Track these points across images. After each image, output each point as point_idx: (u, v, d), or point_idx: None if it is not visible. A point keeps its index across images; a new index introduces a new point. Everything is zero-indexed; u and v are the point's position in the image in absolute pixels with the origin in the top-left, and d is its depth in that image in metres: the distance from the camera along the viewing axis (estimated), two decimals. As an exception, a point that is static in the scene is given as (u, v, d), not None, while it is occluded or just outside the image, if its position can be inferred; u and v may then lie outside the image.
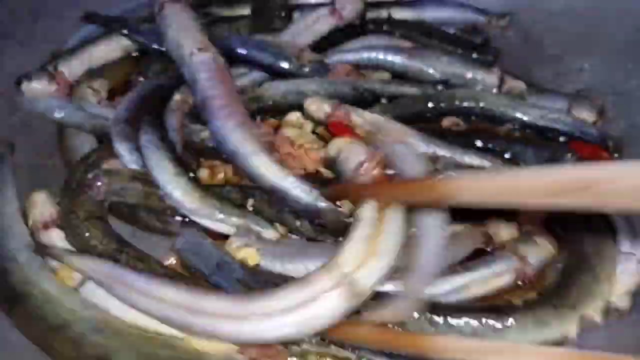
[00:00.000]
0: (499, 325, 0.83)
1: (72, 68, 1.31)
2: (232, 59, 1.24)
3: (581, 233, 0.96)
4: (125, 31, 1.36)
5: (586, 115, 1.23)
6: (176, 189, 0.99)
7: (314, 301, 0.76)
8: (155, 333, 0.84)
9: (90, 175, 1.00)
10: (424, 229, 0.84)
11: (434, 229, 0.84)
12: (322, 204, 0.93)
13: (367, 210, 0.84)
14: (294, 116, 1.16)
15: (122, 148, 1.05)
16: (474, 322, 0.83)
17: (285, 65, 1.24)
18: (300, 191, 0.94)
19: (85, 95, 1.28)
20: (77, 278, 0.90)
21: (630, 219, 0.98)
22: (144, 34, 1.34)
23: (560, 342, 0.85)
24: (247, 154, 0.98)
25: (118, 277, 0.84)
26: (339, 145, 1.00)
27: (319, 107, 1.13)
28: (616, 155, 1.16)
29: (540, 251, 0.96)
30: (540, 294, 0.92)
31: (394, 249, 0.81)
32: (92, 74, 1.33)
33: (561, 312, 0.85)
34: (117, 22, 1.39)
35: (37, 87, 1.24)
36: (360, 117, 1.13)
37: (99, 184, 0.99)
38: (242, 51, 1.25)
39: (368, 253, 0.80)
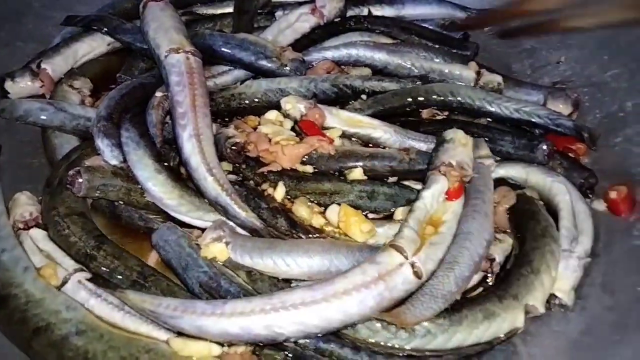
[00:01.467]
0: (450, 322, 0.86)
1: (55, 65, 1.31)
2: (214, 57, 1.26)
3: (524, 230, 1.01)
4: (107, 30, 1.36)
5: (562, 107, 1.26)
6: (156, 185, 1.00)
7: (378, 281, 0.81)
8: (136, 334, 0.86)
9: (71, 172, 1.01)
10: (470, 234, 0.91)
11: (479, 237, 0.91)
12: (258, 224, 0.96)
13: (428, 197, 0.93)
14: (272, 114, 1.17)
15: (103, 144, 1.05)
16: (428, 324, 0.86)
17: (266, 64, 1.25)
18: (237, 208, 0.96)
19: (66, 95, 1.29)
20: (61, 276, 0.91)
21: (573, 217, 1.03)
22: (127, 32, 1.35)
23: (511, 334, 0.89)
24: (194, 167, 0.99)
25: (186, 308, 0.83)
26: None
27: (294, 106, 1.14)
28: (592, 145, 1.18)
29: (504, 248, 1.01)
30: (484, 289, 0.97)
31: (449, 241, 0.90)
32: (74, 72, 1.34)
33: (505, 303, 0.90)
34: (100, 21, 1.38)
35: (21, 85, 1.26)
36: (336, 117, 1.14)
37: (80, 180, 0.99)
38: (224, 50, 1.25)
39: (426, 237, 0.88)
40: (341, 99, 1.23)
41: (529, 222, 1.02)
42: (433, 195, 0.94)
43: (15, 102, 1.19)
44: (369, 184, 1.06)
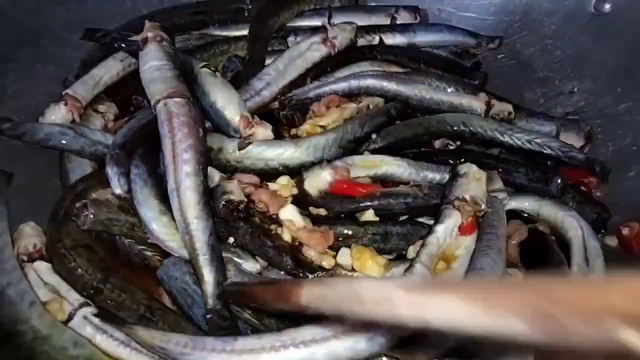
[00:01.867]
0: None
1: (81, 91, 1.30)
2: None
3: (536, 267, 1.02)
4: (123, 45, 1.35)
5: (574, 139, 1.25)
6: (159, 226, 0.99)
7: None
8: None
9: (77, 205, 1.01)
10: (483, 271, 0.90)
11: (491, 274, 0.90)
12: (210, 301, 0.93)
13: (441, 232, 0.94)
14: (284, 180, 1.12)
15: (111, 172, 1.05)
16: None
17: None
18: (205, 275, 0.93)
19: (89, 118, 1.30)
20: (67, 310, 0.91)
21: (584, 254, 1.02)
22: None
23: None
24: (177, 221, 0.97)
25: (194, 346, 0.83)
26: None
27: (321, 179, 1.07)
28: (604, 179, 1.18)
29: None
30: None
31: (461, 277, 0.91)
32: (99, 96, 1.34)
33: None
34: (120, 39, 1.38)
35: (56, 118, 1.26)
36: (354, 165, 1.12)
37: (86, 213, 1.00)
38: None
39: (438, 273, 0.91)
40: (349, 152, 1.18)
41: (542, 259, 1.02)
42: (446, 230, 0.95)
43: (36, 126, 1.20)
44: (381, 225, 1.04)
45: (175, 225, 0.98)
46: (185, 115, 1.03)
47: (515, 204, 1.13)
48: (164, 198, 1.01)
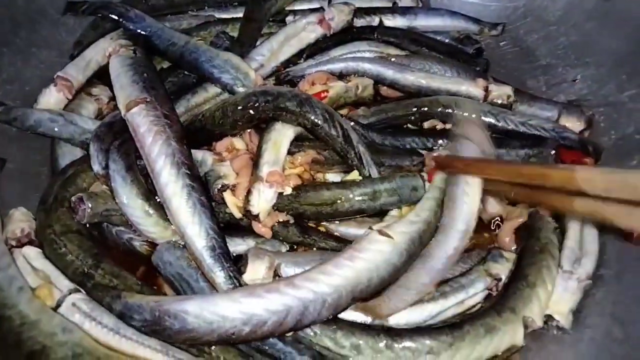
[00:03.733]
0: (453, 338, 0.87)
1: (71, 71, 1.29)
2: (196, 72, 1.27)
3: (523, 247, 1.03)
4: (111, 17, 1.35)
5: (575, 123, 1.23)
6: (146, 226, 0.99)
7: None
8: (133, 357, 0.84)
9: (74, 199, 1.00)
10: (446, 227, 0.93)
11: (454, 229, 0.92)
12: None
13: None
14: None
15: (93, 149, 1.04)
16: (431, 342, 0.87)
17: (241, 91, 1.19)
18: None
19: (83, 102, 1.28)
20: (56, 296, 0.89)
21: (579, 239, 1.03)
22: (133, 20, 1.34)
23: (511, 351, 0.90)
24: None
25: None
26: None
27: (265, 198, 1.00)
28: (597, 159, 1.18)
29: (509, 265, 1.01)
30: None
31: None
32: (92, 80, 1.33)
33: (504, 316, 0.91)
34: (103, 8, 1.37)
35: (49, 100, 1.25)
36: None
37: (83, 207, 0.98)
38: (205, 66, 1.23)
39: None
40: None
41: (530, 239, 1.03)
42: None
43: (27, 111, 1.19)
44: (369, 184, 1.02)
45: (163, 223, 0.98)
46: (144, 123, 1.01)
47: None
48: (146, 196, 0.99)
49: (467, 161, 0.95)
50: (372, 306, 0.91)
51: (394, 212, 1.04)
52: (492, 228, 1.11)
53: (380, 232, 0.91)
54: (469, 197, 0.92)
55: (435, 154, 1.06)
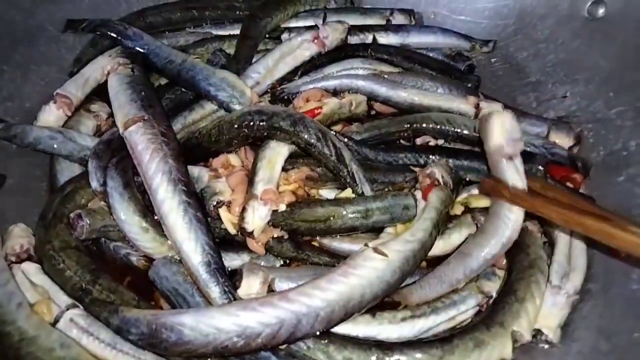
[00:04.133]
0: (443, 352, 0.89)
1: (70, 88, 1.31)
2: (193, 89, 1.30)
3: (513, 262, 1.04)
4: (110, 35, 1.38)
5: (564, 139, 1.26)
6: (143, 242, 1.01)
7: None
8: None
9: (72, 216, 1.02)
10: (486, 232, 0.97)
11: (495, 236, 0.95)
12: None
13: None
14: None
15: (91, 166, 1.06)
16: (422, 356, 0.89)
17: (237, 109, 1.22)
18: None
19: (82, 119, 1.31)
20: (54, 312, 0.91)
21: (568, 253, 1.05)
22: (132, 38, 1.37)
23: None
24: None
25: None
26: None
27: (259, 216, 1.02)
28: (586, 175, 1.20)
29: (499, 282, 1.03)
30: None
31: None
32: (91, 97, 1.35)
33: (493, 331, 0.93)
34: (103, 26, 1.41)
35: (49, 118, 1.27)
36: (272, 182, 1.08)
37: (82, 224, 1.01)
38: (202, 84, 1.26)
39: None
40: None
41: (519, 254, 1.04)
42: None
43: (27, 128, 1.21)
44: (361, 202, 1.04)
45: (160, 239, 1.00)
46: (141, 141, 1.04)
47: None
48: (143, 213, 1.01)
49: (517, 192, 0.90)
50: (404, 292, 0.99)
51: (390, 230, 1.06)
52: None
53: (375, 250, 0.92)
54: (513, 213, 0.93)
55: (483, 178, 1.03)
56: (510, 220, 0.93)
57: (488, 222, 0.98)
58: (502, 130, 0.90)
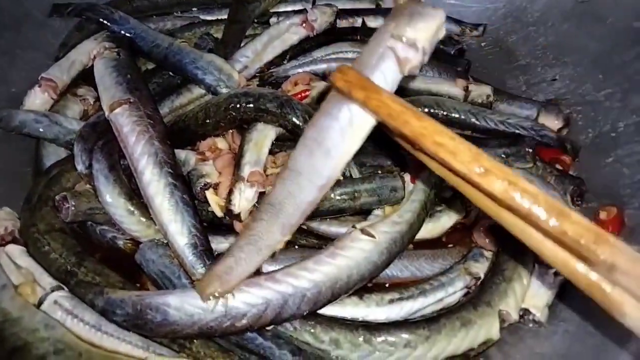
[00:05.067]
0: (429, 331, 0.89)
1: (55, 72, 1.30)
2: (180, 73, 1.29)
3: (500, 244, 1.04)
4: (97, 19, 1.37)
5: (553, 122, 1.26)
6: (129, 224, 1.01)
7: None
8: (114, 352, 0.85)
9: (58, 198, 1.01)
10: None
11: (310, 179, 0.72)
12: None
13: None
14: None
15: (77, 149, 1.06)
16: (409, 336, 0.89)
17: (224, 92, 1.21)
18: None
19: (68, 103, 1.29)
20: (39, 294, 0.90)
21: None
22: (118, 22, 1.36)
23: (487, 345, 0.93)
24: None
25: None
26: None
27: (246, 198, 1.01)
28: (575, 157, 1.21)
29: (487, 264, 1.03)
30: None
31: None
32: (77, 81, 1.33)
33: (480, 310, 0.93)
34: (89, 10, 1.40)
35: (35, 102, 1.26)
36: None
37: (67, 206, 1.00)
38: (189, 67, 1.26)
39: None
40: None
41: (506, 235, 1.02)
42: None
43: (12, 112, 1.20)
44: (349, 184, 1.03)
45: (146, 221, 1.00)
46: (127, 124, 1.03)
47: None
48: (129, 195, 1.01)
49: (379, 91, 0.63)
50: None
51: (378, 212, 1.06)
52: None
53: (363, 231, 0.92)
54: (346, 142, 0.66)
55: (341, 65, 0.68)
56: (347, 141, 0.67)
57: (305, 155, 0.69)
58: (426, 27, 0.60)
